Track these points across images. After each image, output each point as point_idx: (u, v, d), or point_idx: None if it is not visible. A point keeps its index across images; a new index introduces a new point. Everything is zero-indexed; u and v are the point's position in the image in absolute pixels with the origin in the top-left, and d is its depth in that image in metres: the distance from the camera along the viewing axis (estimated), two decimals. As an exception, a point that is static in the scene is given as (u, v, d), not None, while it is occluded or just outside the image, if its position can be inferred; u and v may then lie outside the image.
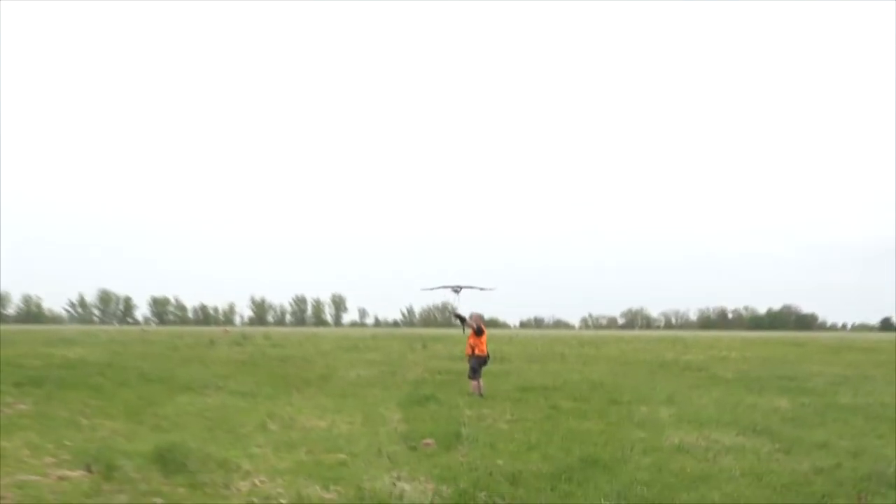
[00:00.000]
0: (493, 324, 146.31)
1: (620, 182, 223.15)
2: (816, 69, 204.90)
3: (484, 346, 12.44)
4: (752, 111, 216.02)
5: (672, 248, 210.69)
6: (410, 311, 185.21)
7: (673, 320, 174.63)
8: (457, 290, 12.52)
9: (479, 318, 12.53)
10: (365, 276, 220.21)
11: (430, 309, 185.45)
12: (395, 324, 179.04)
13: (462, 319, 12.46)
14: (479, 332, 12.37)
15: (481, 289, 12.64)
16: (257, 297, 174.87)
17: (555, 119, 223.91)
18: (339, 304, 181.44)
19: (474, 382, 12.26)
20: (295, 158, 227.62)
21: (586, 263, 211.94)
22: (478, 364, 12.30)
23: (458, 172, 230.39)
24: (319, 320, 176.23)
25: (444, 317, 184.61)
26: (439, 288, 12.63)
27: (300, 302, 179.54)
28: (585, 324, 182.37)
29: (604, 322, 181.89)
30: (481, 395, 12.06)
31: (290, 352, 25.04)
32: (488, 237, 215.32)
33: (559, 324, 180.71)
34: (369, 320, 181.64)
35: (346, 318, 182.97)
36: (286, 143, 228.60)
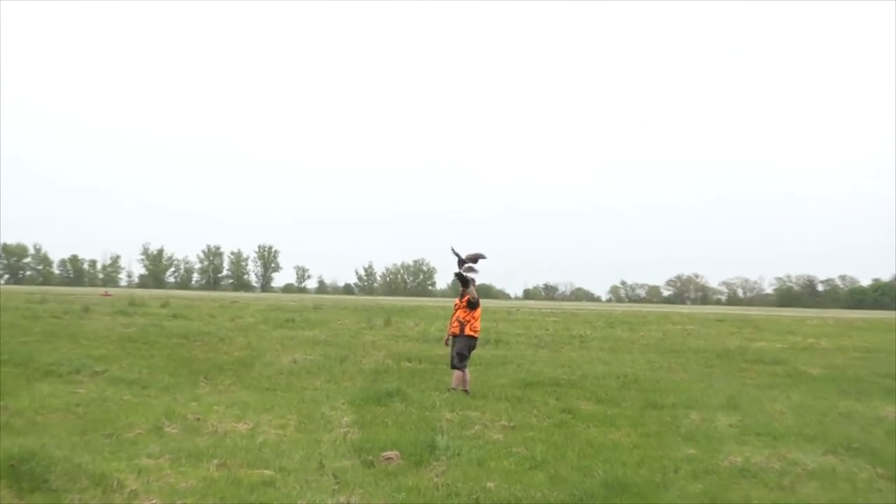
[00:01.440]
0: (486, 293, 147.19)
1: (664, 103, 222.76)
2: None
3: (478, 324, 12.52)
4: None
5: (738, 191, 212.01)
6: (370, 272, 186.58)
7: (740, 293, 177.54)
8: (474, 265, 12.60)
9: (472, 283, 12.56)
10: (306, 222, 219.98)
11: (397, 270, 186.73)
12: (348, 289, 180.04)
13: (465, 281, 12.37)
14: (473, 304, 12.38)
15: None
16: (152, 248, 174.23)
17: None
18: (268, 260, 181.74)
19: (459, 373, 12.36)
20: (209, 61, 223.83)
21: (618, 213, 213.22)
22: (468, 348, 12.39)
23: (436, 91, 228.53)
24: (240, 282, 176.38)
25: (416, 281, 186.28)
26: (460, 260, 12.57)
27: (213, 255, 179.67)
28: (616, 295, 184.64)
29: (642, 293, 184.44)
30: (466, 391, 12.19)
31: (197, 326, 25.07)
32: (478, 176, 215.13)
33: (579, 294, 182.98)
34: (311, 283, 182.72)
35: (279, 279, 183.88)
36: (200, 38, 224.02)
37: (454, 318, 12.50)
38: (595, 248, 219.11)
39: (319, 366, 15.50)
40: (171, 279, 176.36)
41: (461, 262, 12.49)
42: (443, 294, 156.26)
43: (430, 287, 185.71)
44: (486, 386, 13.04)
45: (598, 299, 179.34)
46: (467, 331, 12.32)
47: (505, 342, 23.12)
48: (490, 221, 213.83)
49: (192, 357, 16.15)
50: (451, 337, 12.59)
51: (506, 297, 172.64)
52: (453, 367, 12.44)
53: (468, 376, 12.51)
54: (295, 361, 15.97)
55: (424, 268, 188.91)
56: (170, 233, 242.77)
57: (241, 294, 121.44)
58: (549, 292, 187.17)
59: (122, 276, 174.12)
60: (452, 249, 12.47)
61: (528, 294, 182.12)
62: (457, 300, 12.73)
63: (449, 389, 12.22)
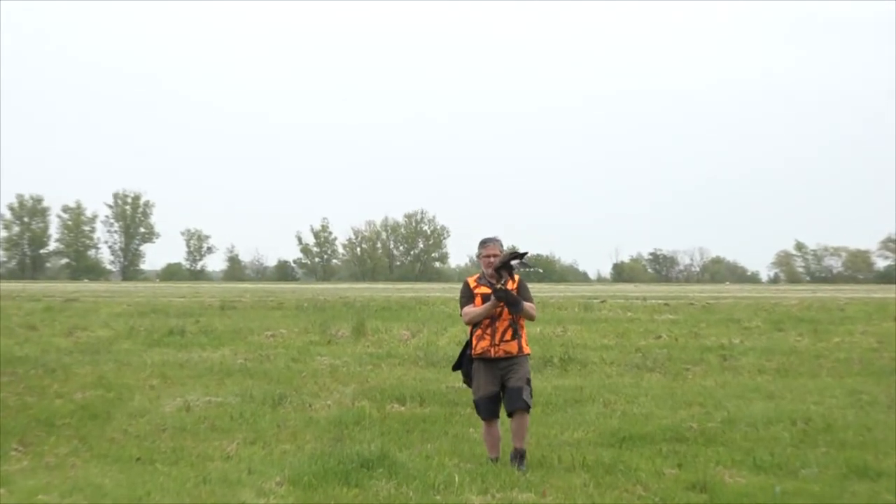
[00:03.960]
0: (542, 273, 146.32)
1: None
2: None
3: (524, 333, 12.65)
4: None
5: None
6: (323, 238, 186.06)
7: None
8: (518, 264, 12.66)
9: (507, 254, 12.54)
10: (202, 150, 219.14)
11: (374, 234, 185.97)
12: (284, 271, 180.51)
13: (511, 301, 12.37)
14: (515, 304, 12.36)
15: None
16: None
17: None
18: (132, 222, 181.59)
19: (526, 419, 12.43)
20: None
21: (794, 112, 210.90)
22: (526, 376, 12.43)
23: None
24: (82, 263, 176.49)
25: (412, 254, 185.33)
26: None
27: (30, 214, 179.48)
28: (787, 270, 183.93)
29: (836, 266, 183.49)
30: (523, 463, 12.25)
31: (4, 346, 25.45)
32: (508, 45, 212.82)
33: (717, 271, 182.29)
34: (215, 262, 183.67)
35: (155, 256, 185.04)
36: None
37: (503, 325, 12.44)
38: (742, 187, 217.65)
39: (234, 415, 15.71)
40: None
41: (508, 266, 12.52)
42: (459, 276, 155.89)
43: (436, 263, 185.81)
44: (546, 444, 13.17)
45: (752, 278, 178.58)
46: (525, 346, 12.52)
47: (580, 361, 23.30)
48: (537, 122, 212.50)
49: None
50: (484, 360, 12.52)
51: (579, 277, 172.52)
52: (517, 410, 12.31)
53: (498, 432, 12.61)
54: (188, 408, 16.22)
55: (425, 227, 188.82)
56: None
57: (85, 285, 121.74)
58: (662, 267, 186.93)
59: None
60: (501, 291, 12.44)
61: (622, 271, 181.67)
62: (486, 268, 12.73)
63: (489, 459, 12.45)
